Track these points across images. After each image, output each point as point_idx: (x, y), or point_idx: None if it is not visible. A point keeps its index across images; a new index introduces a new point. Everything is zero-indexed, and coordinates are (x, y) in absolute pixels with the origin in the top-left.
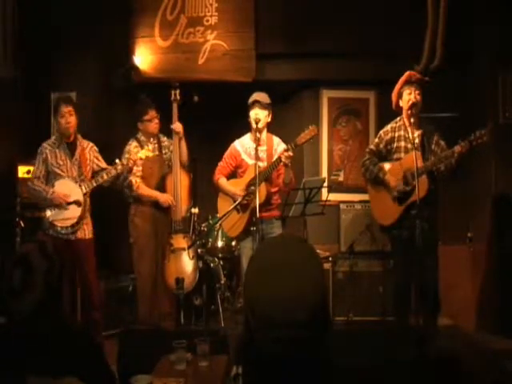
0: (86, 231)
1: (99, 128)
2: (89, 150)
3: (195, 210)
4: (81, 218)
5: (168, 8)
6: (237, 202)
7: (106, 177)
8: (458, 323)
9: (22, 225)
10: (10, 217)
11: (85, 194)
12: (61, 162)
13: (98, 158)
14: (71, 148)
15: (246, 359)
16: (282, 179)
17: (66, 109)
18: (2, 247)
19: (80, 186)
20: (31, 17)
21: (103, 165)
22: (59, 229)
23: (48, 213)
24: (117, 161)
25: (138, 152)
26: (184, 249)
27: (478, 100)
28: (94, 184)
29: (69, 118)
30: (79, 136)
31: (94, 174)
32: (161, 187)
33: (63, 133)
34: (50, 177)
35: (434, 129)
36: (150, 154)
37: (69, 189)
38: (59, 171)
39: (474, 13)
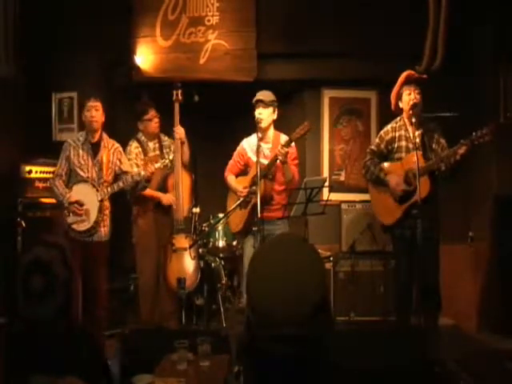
0: (103, 233)
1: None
2: (113, 152)
3: (196, 210)
4: (95, 223)
5: (169, 8)
6: (238, 202)
7: (122, 185)
8: (459, 323)
9: (24, 225)
10: (11, 216)
11: (101, 201)
12: (82, 162)
13: (120, 161)
14: (95, 149)
15: (246, 358)
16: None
17: (93, 103)
18: (4, 247)
19: (97, 191)
20: (32, 17)
21: (125, 168)
22: (76, 232)
23: (66, 214)
24: (135, 169)
25: (139, 152)
26: (186, 249)
27: (480, 100)
28: (110, 191)
29: (94, 113)
30: (105, 136)
31: (116, 176)
32: (162, 187)
33: (88, 127)
34: (72, 174)
35: (435, 127)
36: (169, 164)
37: (85, 194)
38: (80, 171)
39: (476, 13)
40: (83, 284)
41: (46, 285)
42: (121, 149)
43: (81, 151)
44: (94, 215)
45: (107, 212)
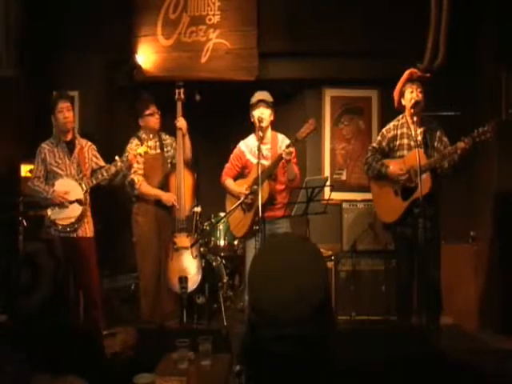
0: (87, 229)
1: (102, 127)
2: (87, 149)
3: (198, 209)
4: (82, 216)
5: (170, 7)
6: (238, 202)
7: (105, 174)
8: (461, 322)
9: (25, 223)
10: (12, 215)
11: (85, 192)
12: (59, 161)
13: (96, 157)
14: (70, 147)
15: (248, 357)
16: (287, 176)
17: (64, 104)
18: (5, 246)
19: (80, 184)
20: (34, 16)
21: (102, 163)
22: (60, 227)
23: (49, 212)
24: (116, 158)
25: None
26: (187, 248)
27: (481, 98)
28: (94, 182)
29: (66, 113)
30: (77, 135)
31: (93, 172)
32: (163, 186)
33: (61, 129)
34: (50, 176)
35: (437, 126)
36: (149, 151)
37: (69, 188)
38: (58, 170)
39: (478, 11)
40: (76, 283)
41: (30, 278)
42: (94, 146)
43: (56, 151)
44: (79, 208)
45: (89, 208)
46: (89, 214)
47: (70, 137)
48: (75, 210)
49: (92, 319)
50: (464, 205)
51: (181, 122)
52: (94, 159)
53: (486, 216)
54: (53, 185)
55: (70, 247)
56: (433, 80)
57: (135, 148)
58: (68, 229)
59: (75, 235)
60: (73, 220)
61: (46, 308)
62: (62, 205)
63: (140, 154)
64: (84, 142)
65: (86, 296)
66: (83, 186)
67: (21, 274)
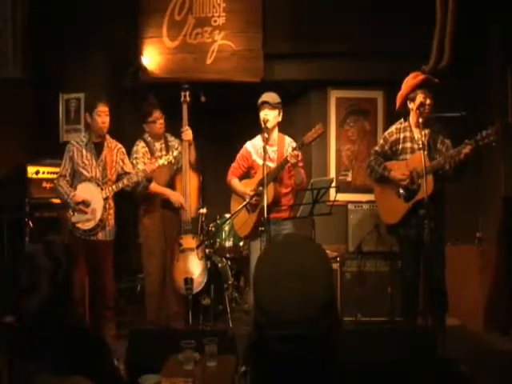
0: (108, 233)
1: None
2: (116, 152)
3: (203, 211)
4: (101, 221)
5: (176, 8)
6: (244, 203)
7: (126, 182)
8: (466, 324)
9: (31, 225)
10: (19, 217)
11: (106, 199)
12: (86, 162)
13: (123, 161)
14: (98, 149)
15: (254, 358)
16: (294, 180)
17: (104, 109)
18: (12, 247)
19: (102, 189)
20: (40, 17)
21: (127, 168)
22: (82, 231)
23: (71, 213)
24: (139, 167)
25: (146, 152)
26: (193, 249)
27: (487, 100)
28: (115, 189)
29: (105, 118)
30: (108, 136)
31: (119, 176)
32: (169, 187)
33: (96, 131)
34: (76, 175)
35: (440, 128)
36: (173, 161)
37: (90, 193)
38: (83, 171)
39: (484, 12)
40: (90, 284)
41: (29, 278)
42: (123, 149)
43: (84, 151)
44: (99, 214)
45: (111, 211)
46: (110, 217)
47: (100, 139)
48: (94, 215)
49: (103, 320)
50: (470, 206)
51: (187, 133)
52: (121, 163)
53: (491, 217)
54: (75, 188)
55: (88, 248)
56: (439, 81)
57: (142, 151)
58: (88, 232)
59: (95, 238)
60: (92, 225)
61: (45, 308)
62: (81, 212)
63: (164, 165)
64: (114, 143)
65: (100, 297)
66: (104, 193)
67: (21, 275)
